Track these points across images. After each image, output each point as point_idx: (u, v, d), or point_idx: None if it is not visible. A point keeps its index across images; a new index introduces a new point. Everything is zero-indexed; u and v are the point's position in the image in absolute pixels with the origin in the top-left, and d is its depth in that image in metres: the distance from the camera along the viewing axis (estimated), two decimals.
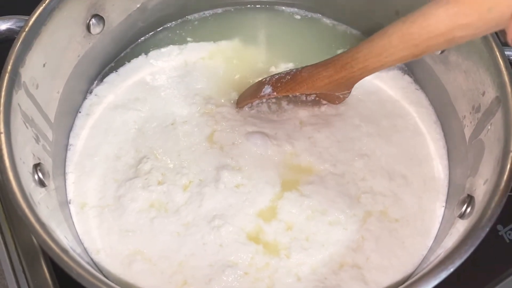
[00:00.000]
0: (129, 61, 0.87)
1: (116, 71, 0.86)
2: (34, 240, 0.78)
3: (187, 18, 0.92)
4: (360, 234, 0.72)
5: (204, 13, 0.93)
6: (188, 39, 0.90)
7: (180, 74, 0.86)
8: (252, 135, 0.79)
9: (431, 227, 0.74)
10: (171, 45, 0.89)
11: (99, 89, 0.84)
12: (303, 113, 0.82)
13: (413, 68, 0.86)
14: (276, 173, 0.77)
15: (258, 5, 0.93)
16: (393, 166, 0.78)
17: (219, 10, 0.93)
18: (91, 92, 0.84)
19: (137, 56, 0.88)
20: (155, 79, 0.86)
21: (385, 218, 0.74)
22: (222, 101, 0.84)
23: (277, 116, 0.82)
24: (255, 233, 0.72)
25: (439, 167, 0.78)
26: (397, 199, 0.75)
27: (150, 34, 0.90)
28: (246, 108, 0.83)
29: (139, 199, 0.74)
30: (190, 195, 0.74)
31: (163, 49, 0.89)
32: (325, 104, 0.83)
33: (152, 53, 0.88)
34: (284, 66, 0.87)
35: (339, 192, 0.75)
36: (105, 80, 0.85)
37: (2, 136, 0.60)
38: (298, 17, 0.93)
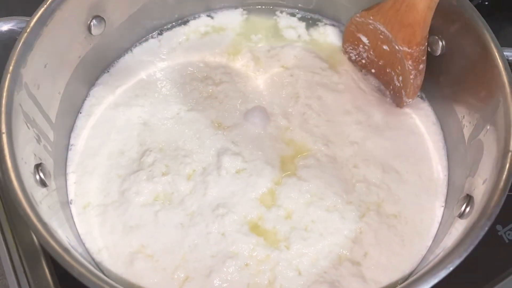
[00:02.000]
0: (117, 61, 0.88)
1: (108, 71, 0.87)
2: (35, 240, 0.78)
3: (187, 19, 0.92)
4: (358, 225, 0.73)
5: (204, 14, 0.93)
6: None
7: (170, 64, 0.87)
8: (251, 114, 0.81)
9: (430, 226, 0.74)
10: (150, 39, 0.90)
11: (95, 91, 0.84)
12: (302, 81, 0.85)
13: None
14: (274, 150, 0.78)
15: (258, 5, 0.94)
16: (387, 159, 0.78)
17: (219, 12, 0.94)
18: (89, 95, 0.84)
19: (123, 55, 0.88)
20: (149, 74, 0.86)
21: (382, 211, 0.74)
22: (219, 78, 0.85)
23: (276, 88, 0.84)
24: (257, 220, 0.73)
25: (438, 167, 0.79)
26: (392, 193, 0.76)
27: (151, 35, 0.90)
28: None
29: (144, 191, 0.74)
30: (194, 184, 0.75)
31: (144, 44, 0.90)
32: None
33: (136, 50, 0.89)
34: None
35: (335, 176, 0.76)
36: (98, 81, 0.85)
37: (4, 136, 0.61)
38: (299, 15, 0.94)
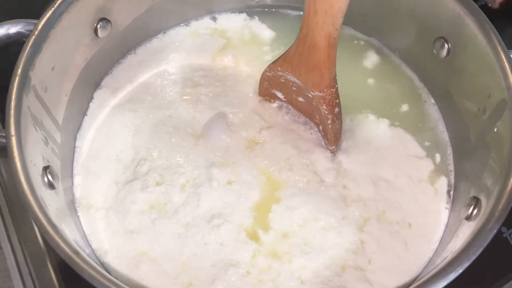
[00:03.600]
0: (120, 62, 0.88)
1: (111, 72, 0.86)
2: (41, 242, 0.78)
3: (191, 21, 0.93)
4: (358, 237, 0.72)
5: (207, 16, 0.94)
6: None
7: (162, 67, 0.87)
8: (211, 128, 0.80)
9: (436, 229, 0.74)
10: (153, 38, 0.90)
11: (99, 93, 0.84)
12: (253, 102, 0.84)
13: (417, 71, 0.87)
14: (251, 163, 0.77)
15: (265, 8, 0.94)
16: (372, 171, 0.77)
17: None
18: (93, 97, 0.84)
19: (126, 56, 0.88)
20: (144, 76, 0.86)
21: (383, 220, 0.74)
22: (196, 80, 0.86)
23: (240, 98, 0.84)
24: (254, 230, 0.73)
25: (433, 167, 0.79)
26: (390, 202, 0.75)
27: (155, 37, 0.91)
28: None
29: (139, 201, 0.74)
30: (187, 196, 0.75)
31: (148, 44, 0.90)
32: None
33: (140, 50, 0.89)
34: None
35: (324, 197, 0.75)
36: (102, 83, 0.85)
37: (13, 138, 0.61)
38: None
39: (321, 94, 0.72)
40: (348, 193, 0.76)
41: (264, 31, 0.92)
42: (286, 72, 0.75)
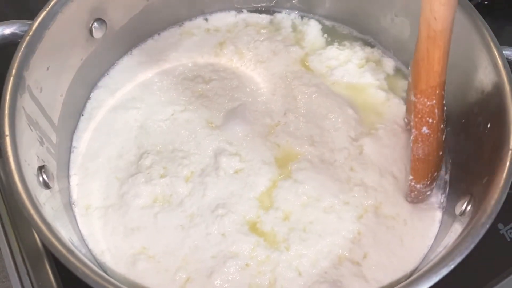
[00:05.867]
0: (117, 63, 0.88)
1: (108, 73, 0.87)
2: (39, 242, 0.78)
3: (184, 22, 0.93)
4: (356, 226, 0.72)
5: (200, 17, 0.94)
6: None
7: (164, 66, 0.88)
8: (230, 120, 0.81)
9: (431, 226, 0.74)
10: (148, 39, 0.91)
11: (96, 93, 0.85)
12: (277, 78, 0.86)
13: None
14: (267, 148, 0.79)
15: (259, 8, 0.95)
16: (384, 165, 0.78)
17: None
18: (90, 97, 0.84)
19: (123, 57, 0.89)
20: (145, 76, 0.87)
21: (380, 213, 0.74)
22: (208, 76, 0.86)
23: (257, 85, 0.85)
24: (256, 221, 0.73)
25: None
26: (390, 196, 0.76)
27: (150, 38, 0.91)
28: None
29: (143, 194, 0.75)
30: (193, 186, 0.75)
31: (143, 45, 0.90)
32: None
33: (135, 51, 0.90)
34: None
35: (330, 176, 0.76)
36: (99, 84, 0.86)
37: (8, 138, 0.61)
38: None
39: (413, 99, 0.61)
40: (353, 176, 0.76)
41: (258, 18, 0.93)
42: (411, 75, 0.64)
